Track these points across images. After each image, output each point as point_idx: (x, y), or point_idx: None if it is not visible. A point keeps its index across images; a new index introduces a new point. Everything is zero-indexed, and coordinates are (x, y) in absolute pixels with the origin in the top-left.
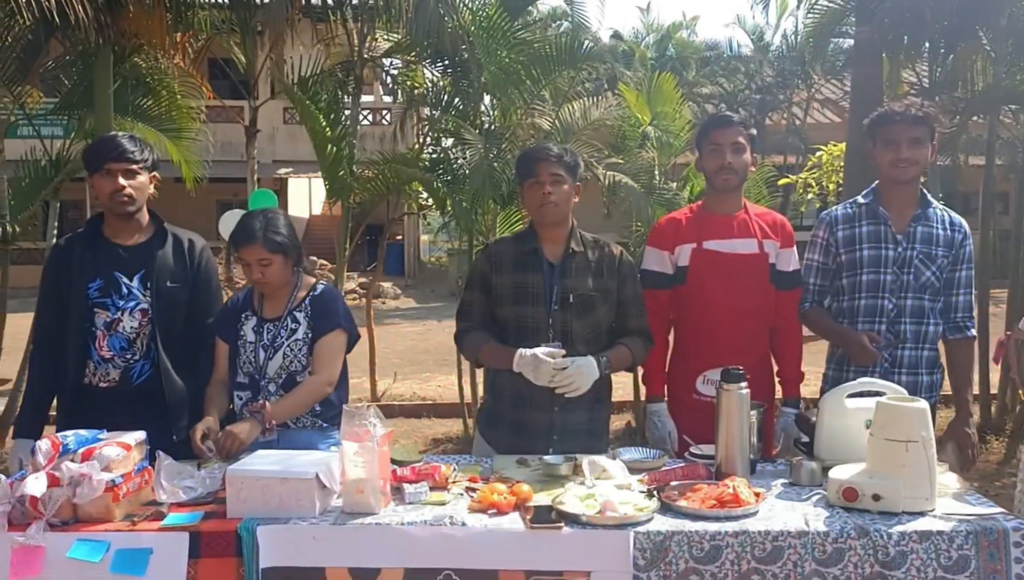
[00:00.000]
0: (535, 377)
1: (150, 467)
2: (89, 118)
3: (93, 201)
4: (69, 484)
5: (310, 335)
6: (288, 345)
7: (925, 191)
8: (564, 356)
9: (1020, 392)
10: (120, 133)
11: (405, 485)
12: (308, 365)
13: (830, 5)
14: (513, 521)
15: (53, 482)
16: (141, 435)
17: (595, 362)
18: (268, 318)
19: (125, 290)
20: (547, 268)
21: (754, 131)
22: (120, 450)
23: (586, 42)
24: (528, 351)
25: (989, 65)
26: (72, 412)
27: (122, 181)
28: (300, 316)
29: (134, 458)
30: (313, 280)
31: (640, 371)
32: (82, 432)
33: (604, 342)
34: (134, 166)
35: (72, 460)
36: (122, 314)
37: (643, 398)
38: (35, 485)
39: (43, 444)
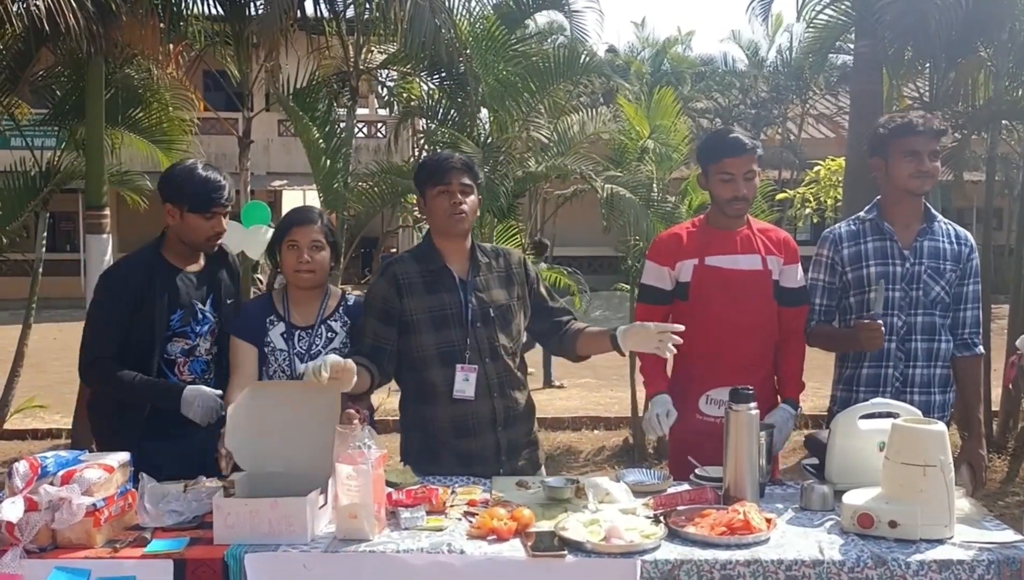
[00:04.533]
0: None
1: (134, 490)
2: (80, 128)
3: (85, 214)
4: (48, 508)
5: (348, 346)
6: (326, 354)
7: (929, 205)
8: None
9: (1023, 410)
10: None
11: (400, 509)
12: None
13: (830, 20)
14: (514, 548)
15: (31, 506)
16: (124, 456)
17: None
18: (299, 326)
19: (200, 316)
20: (459, 285)
21: (761, 151)
22: (102, 472)
23: (583, 55)
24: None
25: (990, 80)
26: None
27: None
28: (336, 325)
29: (117, 480)
30: (340, 290)
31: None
32: (62, 453)
33: (520, 353)
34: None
35: (51, 483)
36: (199, 339)
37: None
38: (11, 510)
39: (20, 466)
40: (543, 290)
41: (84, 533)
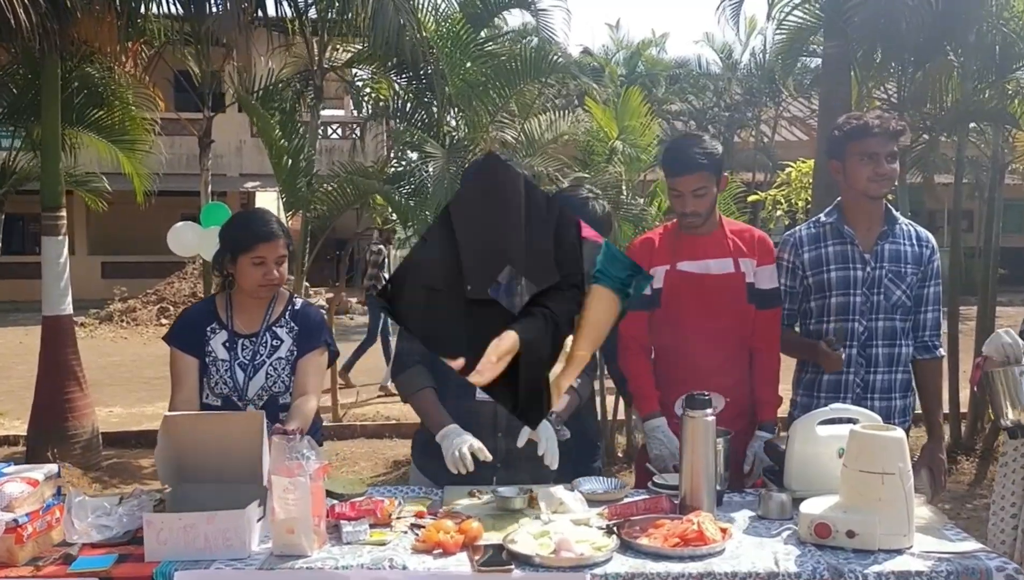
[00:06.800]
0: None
1: (62, 504)
2: (37, 128)
3: (42, 215)
4: None
5: (295, 353)
6: (271, 364)
7: (891, 207)
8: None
9: (989, 413)
10: None
11: (343, 523)
12: (291, 385)
13: (800, 21)
14: (460, 562)
15: None
16: (52, 468)
17: (549, 425)
18: (242, 333)
19: None
20: None
21: (718, 153)
22: (25, 486)
23: (552, 55)
24: (457, 444)
25: (958, 82)
26: None
27: None
28: (282, 332)
29: (43, 494)
30: (287, 293)
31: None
32: None
33: None
34: None
35: None
36: None
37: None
38: None
39: None
40: None
41: (5, 551)
